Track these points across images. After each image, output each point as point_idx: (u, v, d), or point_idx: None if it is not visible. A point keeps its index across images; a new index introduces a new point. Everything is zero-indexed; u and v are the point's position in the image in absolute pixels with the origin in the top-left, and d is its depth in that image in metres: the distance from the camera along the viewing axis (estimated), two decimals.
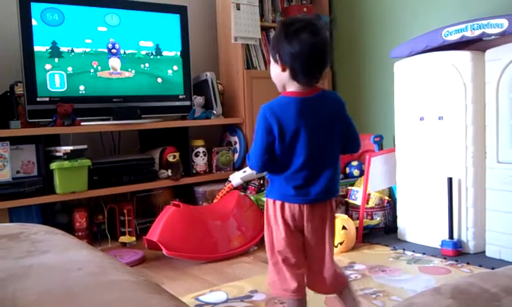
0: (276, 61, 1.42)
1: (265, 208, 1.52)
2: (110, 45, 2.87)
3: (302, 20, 1.39)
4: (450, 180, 2.41)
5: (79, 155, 2.65)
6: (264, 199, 2.82)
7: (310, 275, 1.50)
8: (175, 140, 3.11)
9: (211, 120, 3.24)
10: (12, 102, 2.61)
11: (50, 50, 2.68)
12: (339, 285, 1.50)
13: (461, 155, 2.40)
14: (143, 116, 2.95)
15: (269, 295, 1.94)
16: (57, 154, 2.63)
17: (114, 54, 2.89)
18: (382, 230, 2.83)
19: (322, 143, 1.42)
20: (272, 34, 3.50)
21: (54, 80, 2.70)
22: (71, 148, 2.63)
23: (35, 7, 2.62)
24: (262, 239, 2.65)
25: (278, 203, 1.45)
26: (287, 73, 1.40)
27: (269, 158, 1.43)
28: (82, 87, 2.79)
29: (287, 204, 1.44)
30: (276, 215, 1.46)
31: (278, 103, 1.44)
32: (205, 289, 2.06)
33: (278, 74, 1.44)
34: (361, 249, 2.56)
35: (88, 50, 2.80)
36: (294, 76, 1.39)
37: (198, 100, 3.21)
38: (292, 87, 1.43)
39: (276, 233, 1.47)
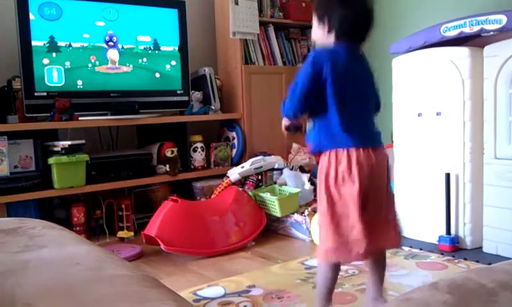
0: (322, 22, 1.45)
1: (323, 165, 1.43)
2: (107, 38, 2.86)
3: None
4: (447, 176, 2.41)
5: (76, 150, 2.65)
6: (263, 194, 2.83)
7: (378, 229, 1.44)
8: (173, 135, 3.10)
9: (209, 115, 3.23)
10: (10, 97, 2.61)
11: (47, 44, 2.67)
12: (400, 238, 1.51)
13: (458, 151, 2.41)
14: (140, 111, 2.95)
15: (267, 290, 1.95)
16: (55, 149, 2.63)
17: (112, 46, 2.88)
18: None
19: (367, 90, 1.48)
20: (270, 29, 3.50)
21: (52, 75, 2.69)
22: (69, 142, 2.63)
23: (33, 2, 2.61)
24: (260, 234, 2.68)
25: (343, 151, 1.39)
26: (332, 35, 1.43)
27: (307, 103, 1.43)
28: (80, 82, 2.78)
29: (353, 152, 1.38)
30: (340, 165, 1.38)
31: (328, 49, 1.45)
32: (202, 284, 2.06)
33: (322, 36, 1.46)
34: None
35: (85, 44, 2.79)
36: (341, 37, 1.43)
37: (196, 95, 3.21)
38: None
39: (342, 189, 1.39)
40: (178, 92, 3.13)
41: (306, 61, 1.43)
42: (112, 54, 2.88)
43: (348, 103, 1.41)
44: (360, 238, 1.38)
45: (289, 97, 1.45)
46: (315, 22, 1.47)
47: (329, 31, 1.43)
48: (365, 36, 1.46)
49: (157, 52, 3.04)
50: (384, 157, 1.47)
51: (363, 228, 1.38)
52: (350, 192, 1.39)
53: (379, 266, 1.57)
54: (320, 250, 1.48)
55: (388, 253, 2.38)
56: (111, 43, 2.87)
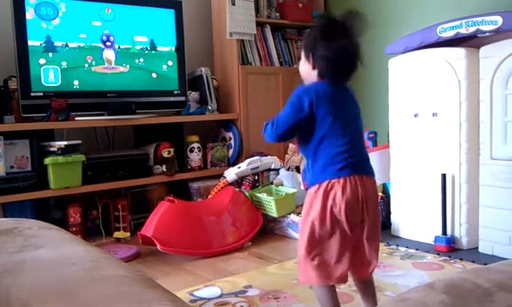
0: (307, 59, 1.49)
1: (308, 200, 1.46)
2: (104, 38, 2.86)
3: (338, 23, 1.48)
4: (443, 176, 2.42)
5: (73, 150, 2.64)
6: (259, 194, 2.83)
7: (358, 259, 1.47)
8: (169, 135, 3.10)
9: (206, 116, 3.23)
10: (6, 97, 2.60)
11: (44, 44, 2.66)
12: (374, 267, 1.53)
13: (454, 152, 2.41)
14: (137, 111, 2.94)
15: (263, 290, 1.95)
16: (51, 149, 2.62)
17: (109, 46, 2.87)
18: None
19: (355, 119, 1.51)
20: (267, 29, 3.50)
21: (48, 75, 2.69)
22: (65, 143, 2.62)
23: (29, 1, 2.61)
24: (256, 234, 2.68)
25: (327, 184, 1.40)
26: (316, 72, 1.47)
27: (292, 132, 1.48)
28: (76, 82, 2.78)
29: (338, 184, 1.38)
30: (326, 203, 1.39)
31: (314, 85, 1.48)
32: (199, 284, 2.06)
33: (308, 71, 1.50)
34: None
35: (82, 44, 2.79)
36: (324, 76, 1.47)
37: (193, 95, 3.21)
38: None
39: (321, 226, 1.41)
40: (175, 92, 3.13)
41: (291, 96, 1.47)
42: (109, 54, 2.87)
43: (337, 129, 1.43)
44: (339, 264, 1.43)
45: (272, 125, 1.51)
46: (302, 57, 1.52)
47: (313, 69, 1.47)
48: (349, 76, 1.50)
49: (153, 52, 3.04)
50: (375, 185, 1.49)
51: (342, 254, 1.43)
52: (338, 220, 1.41)
53: (369, 295, 1.57)
54: (302, 274, 1.49)
55: (384, 253, 2.40)
56: (108, 43, 2.86)
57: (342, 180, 1.40)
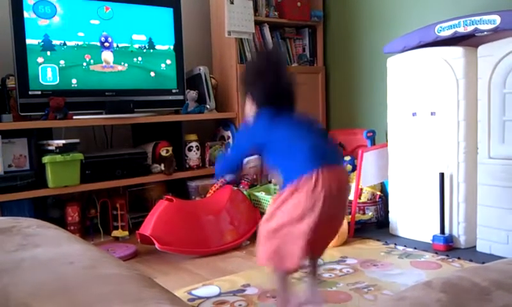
0: (248, 97, 1.63)
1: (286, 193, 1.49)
2: (103, 39, 2.85)
3: (262, 62, 1.66)
4: (441, 175, 2.42)
5: (71, 148, 2.64)
6: (257, 193, 2.82)
7: (318, 240, 1.51)
8: (168, 134, 3.10)
9: (204, 114, 3.23)
10: (4, 95, 2.59)
11: (42, 43, 2.66)
12: None
13: (452, 151, 2.42)
14: (135, 110, 2.94)
15: (262, 289, 1.95)
16: (50, 148, 2.62)
17: (107, 48, 2.87)
18: (374, 225, 2.84)
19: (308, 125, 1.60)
20: (265, 28, 3.50)
21: (46, 74, 2.68)
22: (63, 141, 2.62)
23: (27, 0, 2.60)
24: (255, 234, 2.67)
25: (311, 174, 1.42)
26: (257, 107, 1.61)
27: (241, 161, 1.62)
28: (74, 81, 2.77)
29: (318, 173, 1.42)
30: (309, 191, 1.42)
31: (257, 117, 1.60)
32: (197, 283, 2.06)
33: (250, 108, 1.63)
34: (353, 243, 2.57)
35: (80, 43, 2.78)
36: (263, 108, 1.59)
37: (191, 94, 3.20)
38: None
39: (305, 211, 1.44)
40: (173, 91, 3.13)
41: (239, 130, 1.57)
42: (107, 56, 2.87)
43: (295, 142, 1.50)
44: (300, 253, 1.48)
45: (224, 160, 1.65)
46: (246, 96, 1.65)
47: (253, 104, 1.60)
48: (286, 103, 1.58)
49: (152, 51, 3.03)
50: (345, 174, 1.57)
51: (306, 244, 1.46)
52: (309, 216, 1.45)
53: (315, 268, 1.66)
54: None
55: (382, 252, 2.40)
56: (106, 44, 2.86)
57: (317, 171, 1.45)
